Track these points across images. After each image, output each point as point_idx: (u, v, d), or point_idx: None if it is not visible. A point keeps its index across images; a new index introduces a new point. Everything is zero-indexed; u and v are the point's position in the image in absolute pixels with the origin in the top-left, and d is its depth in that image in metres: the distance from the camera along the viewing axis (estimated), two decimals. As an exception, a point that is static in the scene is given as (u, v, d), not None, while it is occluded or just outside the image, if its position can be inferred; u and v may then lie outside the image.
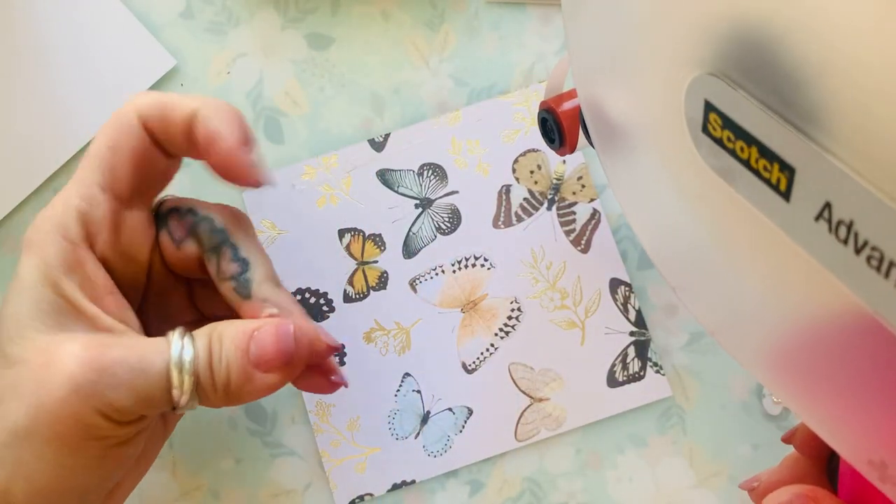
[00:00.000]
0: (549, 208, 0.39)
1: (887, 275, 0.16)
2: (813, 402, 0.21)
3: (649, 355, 0.38)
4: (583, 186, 0.39)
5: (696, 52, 0.19)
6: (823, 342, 0.20)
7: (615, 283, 0.39)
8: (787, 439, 0.31)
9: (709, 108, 0.20)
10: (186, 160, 0.40)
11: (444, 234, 0.39)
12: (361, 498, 0.38)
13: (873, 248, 0.16)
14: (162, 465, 0.38)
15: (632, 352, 0.38)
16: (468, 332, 0.39)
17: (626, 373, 0.38)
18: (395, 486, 0.38)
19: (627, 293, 0.39)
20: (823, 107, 0.16)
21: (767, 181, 0.19)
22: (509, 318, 0.39)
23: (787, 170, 0.18)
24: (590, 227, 0.39)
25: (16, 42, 0.40)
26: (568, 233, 0.39)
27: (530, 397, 0.38)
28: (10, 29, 0.40)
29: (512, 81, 0.40)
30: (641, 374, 0.38)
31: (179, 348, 0.28)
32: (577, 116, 0.33)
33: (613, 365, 0.38)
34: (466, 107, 0.40)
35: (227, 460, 0.38)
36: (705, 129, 0.20)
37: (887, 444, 0.19)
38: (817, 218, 0.17)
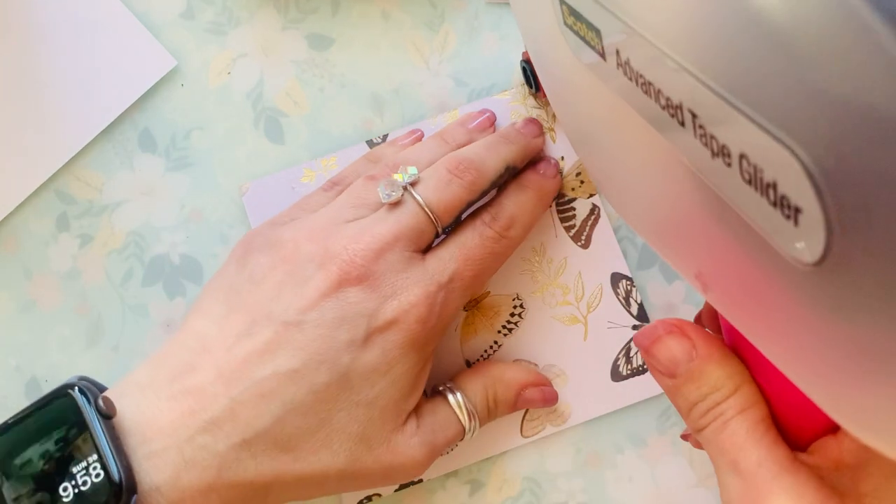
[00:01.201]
0: None
1: (657, 99, 0.20)
2: (658, 236, 0.26)
3: None
4: (581, 182, 0.39)
5: None
6: (661, 189, 0.23)
7: (616, 278, 0.39)
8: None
9: (561, 2, 0.24)
10: (186, 160, 0.40)
11: (444, 233, 0.39)
12: (369, 498, 0.38)
13: (647, 83, 0.20)
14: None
15: (635, 346, 0.39)
16: (471, 330, 0.39)
17: (629, 366, 0.38)
18: (402, 486, 0.38)
19: (629, 287, 0.39)
20: None
21: (592, 47, 0.23)
22: (512, 315, 0.39)
23: (596, 32, 0.22)
24: (590, 223, 0.39)
25: (16, 42, 0.40)
26: (568, 229, 0.39)
27: None
28: (11, 29, 0.40)
29: (512, 81, 0.40)
30: (645, 367, 0.38)
31: (467, 417, 0.35)
32: None
33: (617, 359, 0.39)
34: (464, 106, 0.40)
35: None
36: (564, 23, 0.24)
37: (701, 258, 0.23)
38: (618, 66, 0.21)
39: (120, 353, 0.39)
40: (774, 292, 0.19)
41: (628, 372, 0.38)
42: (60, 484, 0.28)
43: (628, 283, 0.39)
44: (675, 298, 0.39)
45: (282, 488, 0.31)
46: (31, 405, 0.30)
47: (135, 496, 0.28)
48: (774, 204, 0.17)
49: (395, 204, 0.34)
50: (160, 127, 0.40)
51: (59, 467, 0.28)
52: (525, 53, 0.38)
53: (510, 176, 0.37)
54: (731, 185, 0.18)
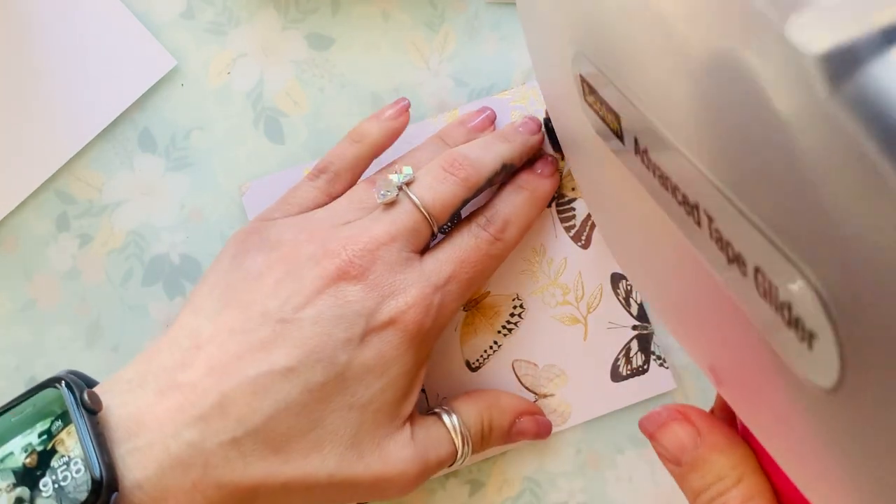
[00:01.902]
0: (548, 205, 0.39)
1: (673, 194, 0.20)
2: (672, 320, 0.26)
3: (652, 349, 0.38)
4: None
5: (573, 39, 0.24)
6: (677, 277, 0.23)
7: (616, 278, 0.39)
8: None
9: (582, 80, 0.24)
10: (186, 160, 0.40)
11: (444, 232, 0.39)
12: None
13: (664, 176, 0.20)
14: None
15: (635, 345, 0.39)
16: (471, 330, 0.39)
17: (629, 367, 0.38)
18: None
19: (629, 287, 0.39)
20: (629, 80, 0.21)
21: (611, 129, 0.23)
22: (511, 315, 0.39)
23: (615, 116, 0.22)
24: (590, 223, 0.39)
25: (16, 42, 0.40)
26: (568, 229, 0.39)
27: (535, 394, 0.38)
28: (10, 29, 0.40)
29: (512, 81, 0.40)
30: (645, 367, 0.38)
31: (461, 441, 0.35)
32: None
33: (617, 359, 0.39)
34: (464, 105, 0.40)
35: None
36: (585, 99, 0.25)
37: (715, 353, 0.23)
38: (636, 153, 0.21)
39: (120, 353, 0.39)
40: (786, 406, 0.19)
41: (628, 372, 0.38)
42: (41, 479, 0.28)
43: (628, 283, 0.39)
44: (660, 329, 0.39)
45: (268, 494, 0.30)
46: (16, 397, 0.29)
47: (115, 494, 0.27)
48: (789, 324, 0.16)
49: (391, 204, 0.34)
50: (160, 127, 0.40)
51: (41, 461, 0.28)
52: (546, 112, 0.38)
53: (507, 174, 0.37)
54: (747, 295, 0.18)
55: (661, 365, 0.38)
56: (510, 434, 0.36)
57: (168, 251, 0.40)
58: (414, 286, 0.33)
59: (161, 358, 0.31)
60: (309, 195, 0.36)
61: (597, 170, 0.28)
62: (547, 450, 0.39)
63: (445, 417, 0.35)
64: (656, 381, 0.38)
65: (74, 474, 0.27)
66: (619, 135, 0.22)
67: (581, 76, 0.24)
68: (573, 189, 0.39)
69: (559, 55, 0.26)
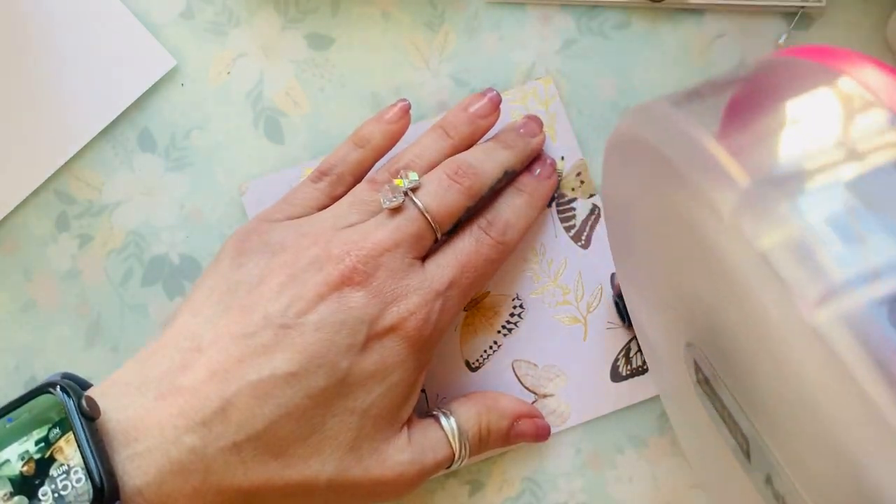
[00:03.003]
0: (548, 205, 0.39)
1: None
2: None
3: None
4: (581, 182, 0.39)
5: (685, 324, 0.26)
6: None
7: (616, 278, 0.39)
8: None
9: (696, 365, 0.25)
10: (186, 160, 0.40)
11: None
12: None
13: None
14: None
15: (634, 346, 0.39)
16: (471, 330, 0.39)
17: (629, 367, 0.38)
18: None
19: None
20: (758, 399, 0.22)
21: (736, 440, 0.24)
22: (511, 315, 0.39)
23: (743, 437, 0.23)
24: (590, 223, 0.39)
25: (16, 42, 0.40)
26: (568, 229, 0.39)
27: (534, 394, 0.38)
28: (10, 29, 0.40)
29: (512, 81, 0.40)
30: (645, 367, 0.38)
31: (458, 443, 0.35)
32: None
33: (617, 359, 0.39)
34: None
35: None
36: (696, 381, 0.26)
37: None
38: (766, 482, 0.22)
39: (120, 353, 0.39)
40: None
41: (628, 372, 0.38)
42: (40, 488, 0.27)
43: None
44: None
45: (268, 497, 0.30)
46: (10, 403, 0.29)
47: (117, 502, 0.27)
48: None
49: (396, 209, 0.34)
50: (160, 127, 0.40)
51: (39, 469, 0.27)
52: (617, 286, 0.38)
53: (509, 179, 0.37)
54: None
55: None
56: (508, 437, 0.36)
57: (168, 251, 0.40)
58: (416, 293, 0.33)
59: (160, 360, 0.31)
60: (311, 197, 0.36)
61: (694, 418, 0.29)
62: (547, 450, 0.39)
63: (443, 420, 0.35)
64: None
65: (75, 483, 0.27)
66: (730, 429, 0.24)
67: (694, 360, 0.26)
68: (573, 189, 0.39)
69: (671, 326, 0.28)
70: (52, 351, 0.39)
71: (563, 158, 0.39)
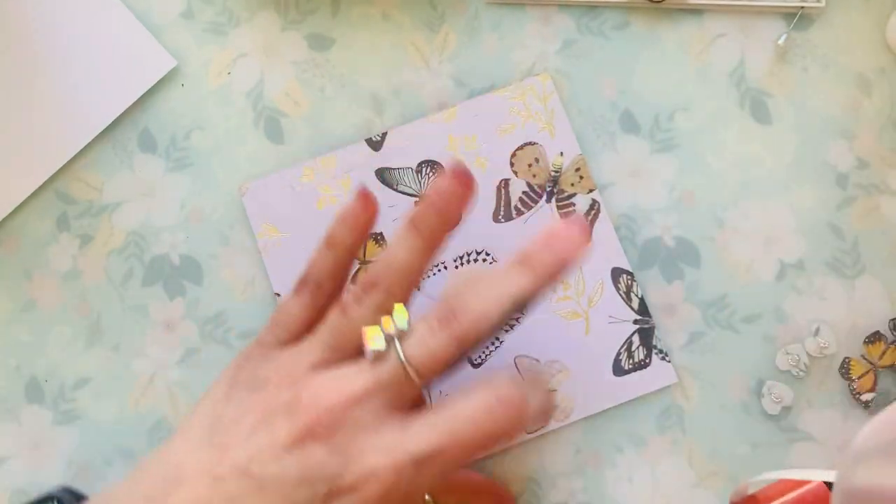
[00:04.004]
0: (548, 200, 0.39)
1: None
2: None
3: (654, 342, 0.38)
4: (581, 178, 0.39)
5: None
6: None
7: (617, 273, 0.39)
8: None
9: None
10: (186, 160, 0.40)
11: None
12: None
13: None
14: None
15: (636, 340, 0.39)
16: None
17: (631, 361, 0.38)
18: None
19: (630, 282, 0.39)
20: None
21: None
22: None
23: None
24: (589, 218, 0.39)
25: (16, 43, 0.40)
26: None
27: None
28: (11, 30, 0.40)
29: (512, 82, 0.40)
30: (647, 361, 0.38)
31: None
32: None
33: (619, 353, 0.39)
34: (462, 103, 0.40)
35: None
36: None
37: None
38: None
39: (120, 353, 0.39)
40: None
41: (630, 366, 0.38)
42: None
43: (629, 277, 0.39)
44: (675, 298, 0.39)
45: None
46: None
47: None
48: None
49: (379, 356, 0.31)
50: (160, 127, 0.40)
51: None
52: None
53: (523, 310, 0.31)
54: None
55: (662, 359, 0.38)
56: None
57: (168, 251, 0.40)
58: (386, 452, 0.30)
59: (150, 483, 0.32)
60: (296, 314, 0.34)
61: None
62: (547, 450, 0.38)
63: None
64: (658, 374, 0.38)
65: None
66: None
67: None
68: (572, 185, 0.39)
69: None
70: (53, 351, 0.39)
71: (561, 154, 0.39)
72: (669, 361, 0.38)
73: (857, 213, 0.39)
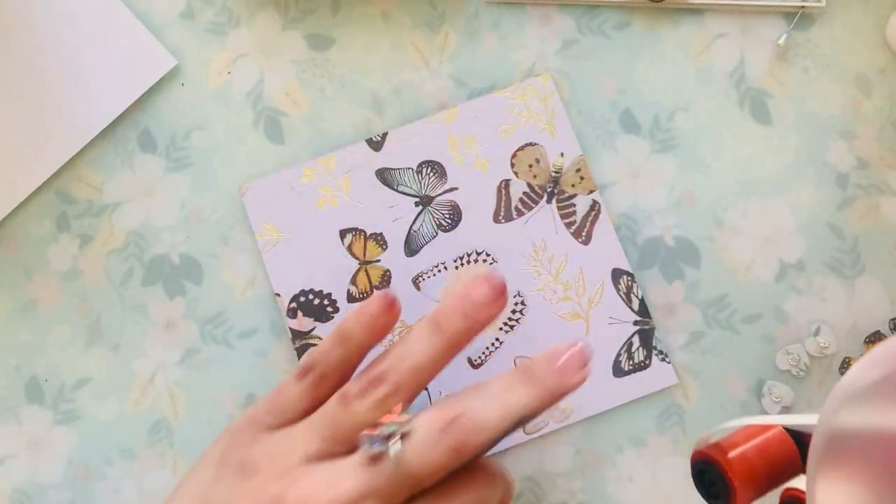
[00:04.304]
0: (548, 201, 0.39)
1: None
2: None
3: (654, 343, 0.39)
4: (581, 178, 0.39)
5: None
6: None
7: (617, 274, 0.39)
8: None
9: None
10: (186, 160, 0.40)
11: (444, 230, 0.39)
12: None
13: None
14: (162, 464, 0.38)
15: (636, 341, 0.39)
16: None
17: (631, 362, 0.38)
18: None
19: (630, 283, 0.39)
20: None
21: None
22: (513, 311, 0.39)
23: None
24: (590, 219, 0.39)
25: (16, 42, 0.40)
26: (568, 225, 0.39)
27: None
28: (11, 29, 0.40)
29: (512, 82, 0.40)
30: (647, 362, 0.38)
31: None
32: (748, 466, 0.29)
33: (619, 355, 0.39)
34: (463, 103, 0.40)
35: (226, 460, 0.38)
36: None
37: None
38: None
39: (120, 353, 0.39)
40: None
41: (630, 367, 0.38)
42: None
43: (629, 278, 0.39)
44: (675, 298, 0.39)
45: None
46: None
47: None
48: None
49: (375, 457, 0.30)
50: (160, 127, 0.40)
51: None
52: (700, 452, 0.30)
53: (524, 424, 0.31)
54: None
55: (662, 360, 0.38)
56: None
57: (168, 251, 0.40)
58: None
59: None
60: (295, 399, 0.33)
61: None
62: (547, 450, 0.38)
63: None
64: (658, 376, 0.38)
65: None
66: None
67: None
68: (573, 185, 0.39)
69: None
70: (53, 351, 0.39)
71: (562, 154, 0.39)
72: (669, 363, 0.38)
73: (857, 213, 0.39)
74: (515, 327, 0.39)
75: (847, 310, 0.39)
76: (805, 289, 0.39)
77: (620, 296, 0.39)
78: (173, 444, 0.38)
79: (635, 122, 0.40)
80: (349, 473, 0.30)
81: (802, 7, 0.40)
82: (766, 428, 0.29)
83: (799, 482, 0.29)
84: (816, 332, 0.38)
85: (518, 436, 0.38)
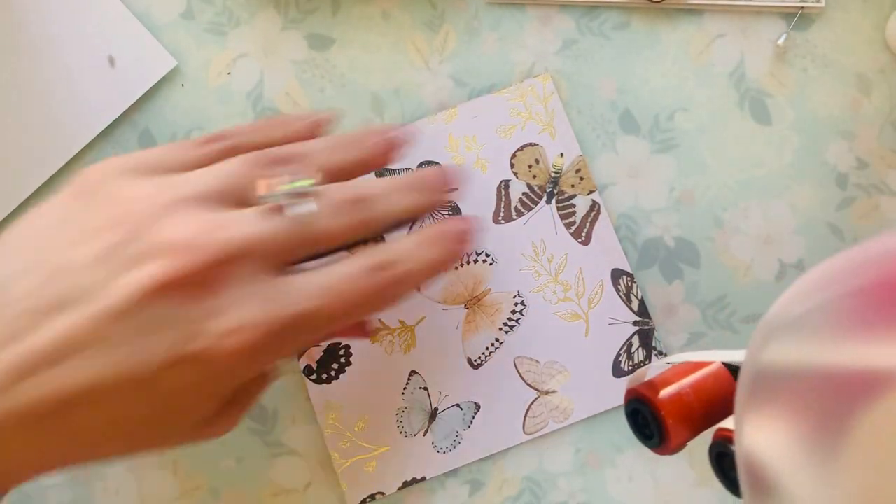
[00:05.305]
0: (548, 202, 0.39)
1: None
2: None
3: (654, 344, 0.39)
4: (581, 179, 0.39)
5: None
6: None
7: (617, 274, 0.39)
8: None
9: None
10: (187, 160, 0.40)
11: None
12: (372, 497, 0.38)
13: None
14: (162, 464, 0.38)
15: (636, 341, 0.39)
16: (472, 327, 0.39)
17: (630, 362, 0.39)
18: (406, 484, 0.38)
19: (629, 283, 0.39)
20: None
21: None
22: (513, 312, 0.39)
23: None
24: (589, 220, 0.39)
25: (16, 42, 0.40)
26: (568, 225, 0.39)
27: (537, 390, 0.38)
28: (10, 29, 0.40)
29: (512, 82, 0.40)
30: (646, 362, 0.38)
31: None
32: (682, 404, 0.28)
33: (618, 355, 0.39)
34: (463, 104, 0.40)
35: (227, 459, 0.38)
36: None
37: None
38: None
39: (120, 352, 0.39)
40: None
41: (630, 368, 0.38)
42: None
43: (629, 279, 0.39)
44: (675, 298, 0.39)
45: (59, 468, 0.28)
46: None
47: None
48: None
49: (275, 209, 0.28)
50: (160, 127, 0.40)
51: None
52: (633, 391, 0.29)
53: (404, 225, 0.33)
54: None
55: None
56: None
57: (168, 251, 0.40)
58: (259, 309, 0.27)
59: None
60: (184, 159, 0.30)
61: None
62: (547, 450, 0.39)
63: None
64: None
65: None
66: None
67: None
68: (573, 186, 0.39)
69: None
70: (52, 351, 0.39)
71: (561, 155, 0.39)
72: (669, 364, 0.38)
73: (857, 213, 0.39)
74: (515, 328, 0.39)
75: (847, 310, 0.39)
76: (805, 289, 0.39)
77: (620, 296, 0.39)
78: (173, 444, 0.38)
79: (635, 122, 0.40)
80: (245, 220, 0.28)
81: (802, 7, 0.40)
82: (703, 364, 0.28)
83: (730, 421, 0.27)
84: (816, 332, 0.38)
85: (518, 436, 0.38)
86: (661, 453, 0.28)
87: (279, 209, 0.28)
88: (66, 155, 0.39)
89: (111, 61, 0.37)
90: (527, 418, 0.38)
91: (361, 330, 0.37)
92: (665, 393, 0.28)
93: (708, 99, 0.40)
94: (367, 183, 0.31)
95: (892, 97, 0.40)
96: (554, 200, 0.39)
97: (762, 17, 0.40)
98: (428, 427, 0.38)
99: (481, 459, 0.38)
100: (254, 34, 0.40)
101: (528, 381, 0.39)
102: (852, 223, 0.39)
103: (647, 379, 0.29)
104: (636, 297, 0.39)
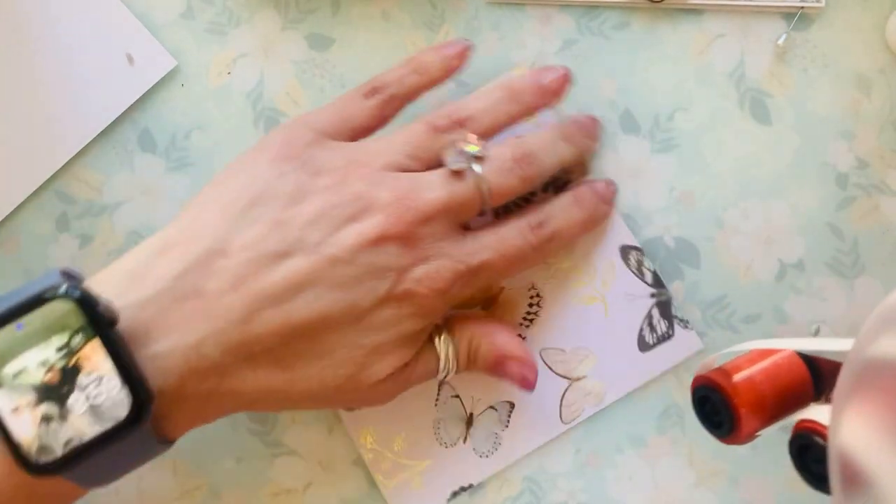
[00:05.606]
0: (544, 190, 0.39)
1: None
2: None
3: (674, 312, 0.38)
4: (582, 175, 0.39)
5: None
6: None
7: (626, 250, 0.39)
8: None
9: None
10: (186, 160, 0.40)
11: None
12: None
13: None
14: (162, 464, 0.38)
15: (656, 313, 0.38)
16: None
17: (654, 335, 0.38)
18: (455, 494, 0.38)
19: (640, 257, 0.39)
20: None
21: None
22: (530, 305, 0.39)
23: None
24: None
25: (15, 42, 0.40)
26: None
27: (567, 378, 0.38)
28: (10, 29, 0.40)
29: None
30: (670, 332, 0.38)
31: (444, 357, 0.35)
32: (755, 392, 0.27)
33: (641, 329, 0.38)
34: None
35: (227, 459, 0.38)
36: None
37: None
38: None
39: (120, 352, 0.39)
40: None
41: (654, 340, 0.38)
42: (68, 396, 0.27)
43: (638, 252, 0.39)
44: (675, 299, 0.39)
45: (267, 400, 0.32)
46: (15, 306, 0.27)
47: (150, 406, 0.28)
48: None
49: (457, 173, 0.34)
50: (160, 127, 0.40)
51: (65, 378, 0.27)
52: (702, 377, 0.29)
53: (560, 178, 0.38)
54: None
55: (685, 327, 0.38)
56: (494, 371, 0.36)
57: (168, 251, 0.40)
58: (449, 258, 0.33)
59: (177, 254, 0.31)
60: (360, 114, 0.36)
61: None
62: (547, 450, 0.39)
63: (436, 337, 0.35)
64: (684, 343, 0.38)
65: (110, 392, 0.27)
66: None
67: None
68: (571, 171, 0.39)
69: None
70: (53, 351, 0.39)
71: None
72: (692, 329, 0.38)
73: (856, 213, 0.39)
74: (535, 320, 0.39)
75: (847, 310, 0.39)
76: (805, 289, 0.39)
77: (632, 271, 0.39)
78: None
79: (635, 122, 0.40)
80: (433, 184, 0.33)
81: (802, 7, 0.40)
82: (773, 352, 0.28)
83: (811, 413, 0.26)
84: (816, 333, 0.38)
85: (557, 427, 0.38)
86: (730, 442, 0.28)
87: (461, 173, 0.34)
88: (66, 155, 0.39)
89: (129, 59, 0.38)
90: (562, 408, 0.38)
91: (527, 381, 0.37)
92: (738, 378, 0.27)
93: (708, 99, 0.40)
94: (531, 139, 0.36)
95: (892, 97, 0.40)
96: (552, 188, 0.39)
97: (762, 17, 0.40)
98: (466, 434, 0.38)
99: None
100: (254, 34, 0.40)
101: (558, 371, 0.38)
102: (852, 223, 0.39)
103: (716, 367, 0.28)
104: (648, 269, 0.39)
